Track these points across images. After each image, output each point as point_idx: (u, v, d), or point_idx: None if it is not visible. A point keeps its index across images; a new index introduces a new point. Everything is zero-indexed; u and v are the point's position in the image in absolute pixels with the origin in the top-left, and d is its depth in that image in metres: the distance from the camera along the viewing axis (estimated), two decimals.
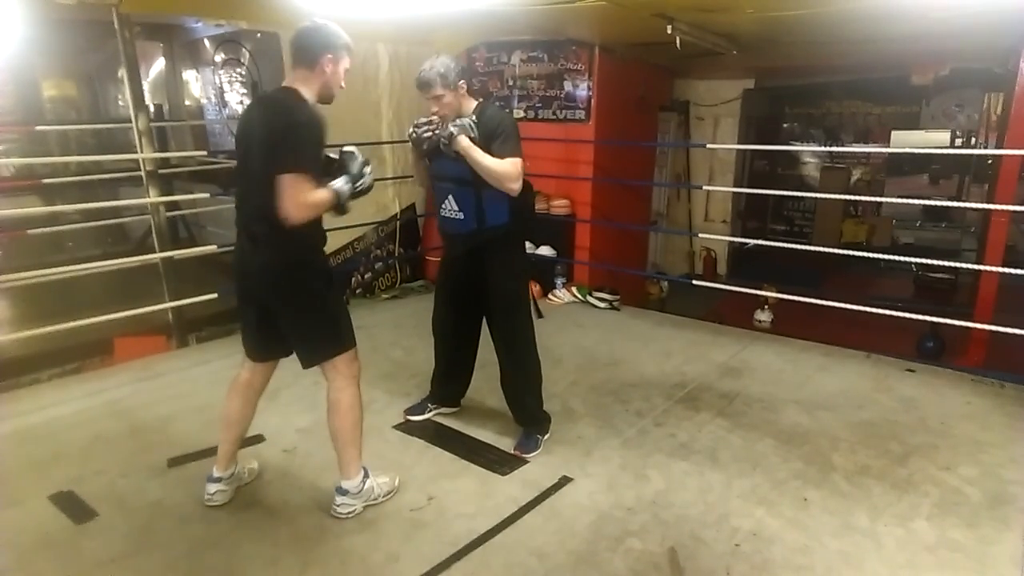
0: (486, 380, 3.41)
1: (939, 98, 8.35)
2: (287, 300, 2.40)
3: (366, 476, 2.60)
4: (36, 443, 3.12)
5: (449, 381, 3.38)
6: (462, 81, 2.80)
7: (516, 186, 2.77)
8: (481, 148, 2.74)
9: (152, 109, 7.06)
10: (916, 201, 6.46)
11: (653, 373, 4.05)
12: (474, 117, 2.80)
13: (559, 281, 5.66)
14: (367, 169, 2.44)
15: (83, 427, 3.28)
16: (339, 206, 2.33)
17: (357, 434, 2.55)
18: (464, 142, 2.72)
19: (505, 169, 2.73)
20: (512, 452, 3.06)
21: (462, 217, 2.88)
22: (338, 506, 2.55)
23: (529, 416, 3.18)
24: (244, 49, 6.18)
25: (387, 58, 5.57)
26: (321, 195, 2.26)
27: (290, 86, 2.34)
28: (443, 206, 2.94)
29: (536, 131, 5.75)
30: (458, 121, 2.77)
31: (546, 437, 3.16)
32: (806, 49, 5.35)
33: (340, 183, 2.33)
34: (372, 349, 4.30)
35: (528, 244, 5.81)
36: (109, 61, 6.33)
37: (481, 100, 2.93)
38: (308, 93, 2.33)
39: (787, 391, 3.79)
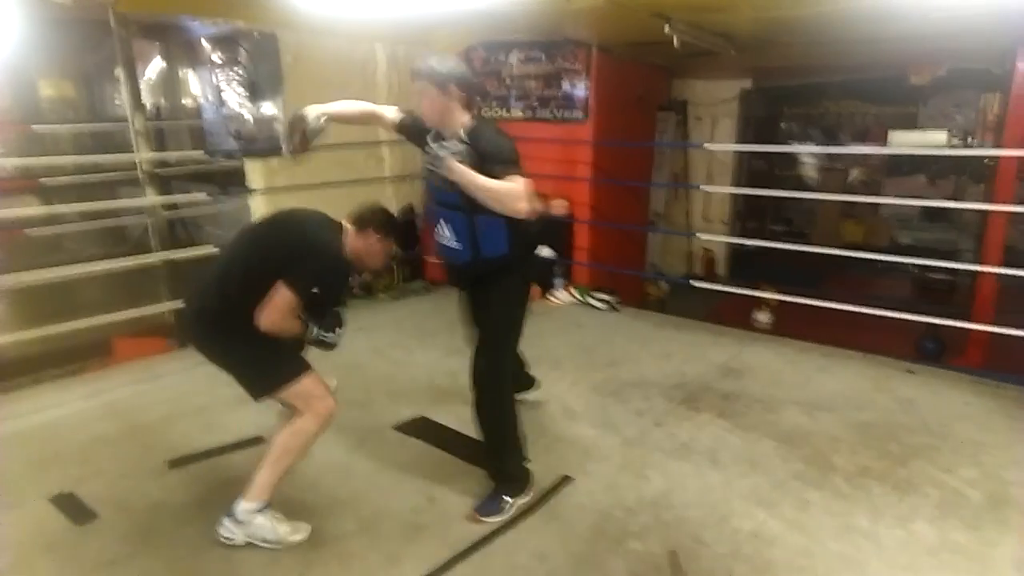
0: None
1: (937, 98, 8.37)
2: (212, 347, 2.41)
3: (263, 510, 2.41)
4: (36, 444, 3.12)
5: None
6: (454, 86, 2.44)
7: (524, 206, 2.35)
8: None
9: (149, 109, 7.04)
10: (914, 202, 6.49)
11: (653, 373, 4.06)
12: (463, 135, 2.46)
13: (558, 282, 5.65)
14: (339, 331, 2.42)
15: (83, 428, 3.27)
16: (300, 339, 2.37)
17: (286, 463, 2.40)
18: (456, 167, 2.34)
19: (508, 187, 2.34)
20: (470, 513, 2.62)
21: (458, 247, 2.54)
22: (220, 526, 2.41)
23: (496, 469, 2.74)
24: (242, 49, 6.15)
25: (385, 58, 5.57)
26: (295, 324, 2.30)
27: (339, 224, 2.47)
28: (436, 231, 2.62)
29: (534, 131, 5.75)
30: (445, 144, 2.47)
31: (519, 501, 2.67)
32: (804, 49, 5.35)
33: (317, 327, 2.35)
34: (372, 349, 4.30)
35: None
36: (106, 61, 6.31)
37: (477, 118, 2.56)
38: (348, 245, 2.44)
39: (787, 392, 3.79)
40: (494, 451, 2.73)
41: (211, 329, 2.38)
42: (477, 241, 2.50)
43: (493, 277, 2.60)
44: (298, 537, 2.44)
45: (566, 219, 5.76)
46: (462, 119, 2.49)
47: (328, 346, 2.41)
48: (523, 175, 2.38)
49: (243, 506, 2.39)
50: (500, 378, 2.71)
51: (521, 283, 2.69)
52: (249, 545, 2.40)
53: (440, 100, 2.45)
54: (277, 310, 2.21)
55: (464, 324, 2.88)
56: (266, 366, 2.37)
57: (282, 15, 4.52)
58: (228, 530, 2.40)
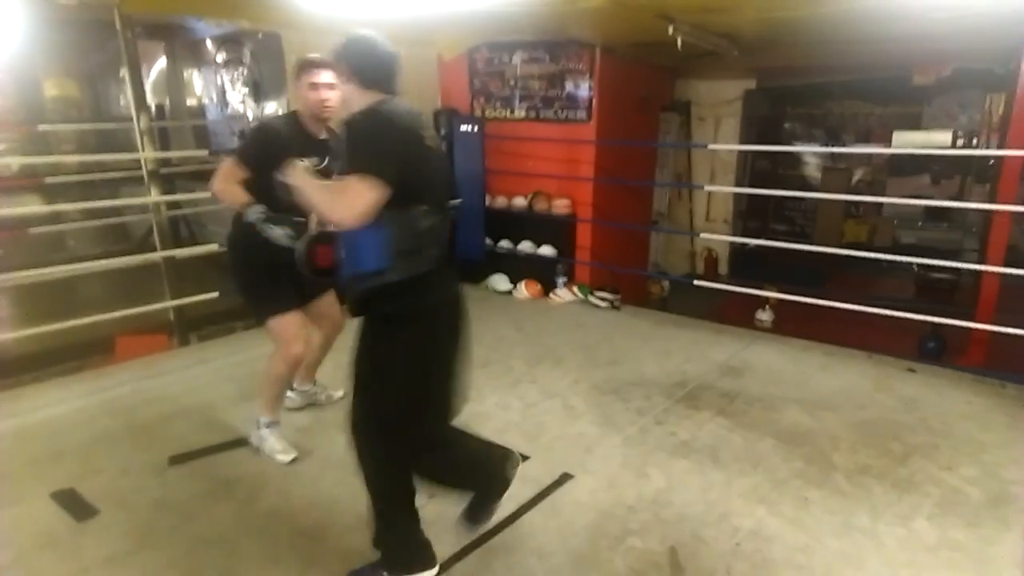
0: (488, 377, 3.40)
1: (941, 99, 8.34)
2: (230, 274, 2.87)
3: (271, 426, 2.92)
4: (37, 441, 3.13)
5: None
6: (345, 64, 1.94)
7: (345, 215, 1.72)
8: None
9: (153, 109, 7.07)
10: (917, 201, 6.46)
11: (654, 372, 4.05)
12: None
13: (560, 280, 5.66)
14: (277, 229, 2.51)
15: (84, 425, 3.28)
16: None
17: (271, 387, 2.88)
18: (291, 174, 1.94)
19: (331, 194, 1.79)
20: None
21: (343, 260, 1.94)
22: (250, 435, 3.00)
23: (376, 534, 2.18)
24: (246, 49, 6.19)
25: None
26: (232, 188, 2.58)
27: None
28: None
29: (538, 131, 5.78)
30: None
31: None
32: (807, 49, 5.34)
33: (260, 209, 2.57)
34: None
35: (528, 244, 5.87)
36: (111, 61, 6.34)
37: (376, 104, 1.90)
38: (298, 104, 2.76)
39: (788, 391, 3.79)
40: (375, 511, 2.13)
41: (229, 259, 2.84)
42: (352, 249, 1.89)
43: (373, 306, 1.96)
44: (285, 457, 2.90)
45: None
46: (361, 105, 1.91)
47: (277, 236, 2.52)
48: (378, 178, 1.71)
49: (258, 418, 2.93)
50: (377, 462, 2.09)
51: (410, 322, 1.94)
52: (255, 541, 2.41)
53: (340, 86, 2.03)
54: (217, 170, 2.57)
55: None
56: (257, 298, 2.77)
57: (286, 15, 4.53)
58: (253, 434, 2.97)
